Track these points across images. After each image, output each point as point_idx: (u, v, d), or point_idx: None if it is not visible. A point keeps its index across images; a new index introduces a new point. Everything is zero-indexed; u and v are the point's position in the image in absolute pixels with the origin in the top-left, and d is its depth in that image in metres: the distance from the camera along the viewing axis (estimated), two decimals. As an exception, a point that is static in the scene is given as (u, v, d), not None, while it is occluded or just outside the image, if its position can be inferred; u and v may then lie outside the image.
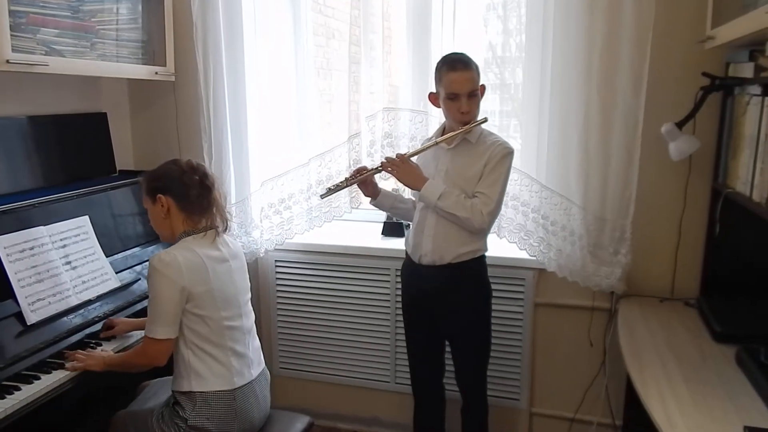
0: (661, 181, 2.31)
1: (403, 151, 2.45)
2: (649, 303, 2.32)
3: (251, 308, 1.99)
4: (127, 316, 2.17)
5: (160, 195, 1.84)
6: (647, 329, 2.07)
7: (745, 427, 1.41)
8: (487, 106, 2.50)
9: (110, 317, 2.11)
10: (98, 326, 2.07)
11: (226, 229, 1.92)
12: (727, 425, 1.44)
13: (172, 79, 2.74)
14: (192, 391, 1.78)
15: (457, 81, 2.02)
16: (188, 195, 1.84)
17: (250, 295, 1.99)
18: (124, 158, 2.85)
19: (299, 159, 2.67)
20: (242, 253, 2.00)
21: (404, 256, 2.31)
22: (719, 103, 2.14)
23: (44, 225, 2.06)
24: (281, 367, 2.93)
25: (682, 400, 1.57)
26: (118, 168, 2.70)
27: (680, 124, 2.12)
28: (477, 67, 2.07)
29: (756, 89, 1.75)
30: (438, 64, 2.10)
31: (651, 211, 2.32)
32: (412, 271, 2.25)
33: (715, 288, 2.25)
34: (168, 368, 1.86)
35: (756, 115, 1.70)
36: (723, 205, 2.00)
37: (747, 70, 1.82)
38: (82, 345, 1.98)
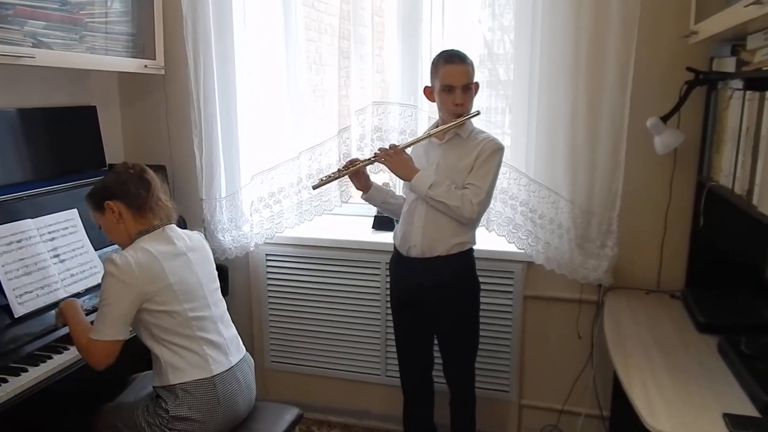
0: (647, 175, 2.34)
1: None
2: (636, 295, 2.34)
3: (221, 297, 1.99)
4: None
5: (107, 201, 1.84)
6: (633, 321, 2.10)
7: (725, 414, 1.43)
8: (481, 102, 2.53)
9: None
10: (88, 318, 2.04)
11: (168, 220, 1.92)
12: (707, 413, 1.46)
13: (162, 72, 2.74)
14: (172, 384, 1.79)
15: (453, 73, 2.06)
16: (130, 192, 1.85)
17: (217, 284, 2.00)
18: (114, 152, 2.85)
19: (289, 153, 2.67)
20: (204, 245, 2.00)
21: (393, 250, 2.33)
22: (703, 98, 2.17)
23: (32, 218, 2.07)
24: (273, 361, 2.94)
25: (664, 388, 1.60)
26: (107, 161, 2.70)
27: (665, 118, 2.14)
28: (472, 63, 2.12)
29: (738, 83, 1.77)
30: (435, 58, 2.15)
31: (637, 204, 2.35)
32: (400, 264, 2.26)
33: (700, 280, 2.28)
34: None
35: (738, 109, 1.71)
36: (707, 198, 2.03)
37: (729, 65, 1.84)
38: (70, 338, 1.94)
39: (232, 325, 2.01)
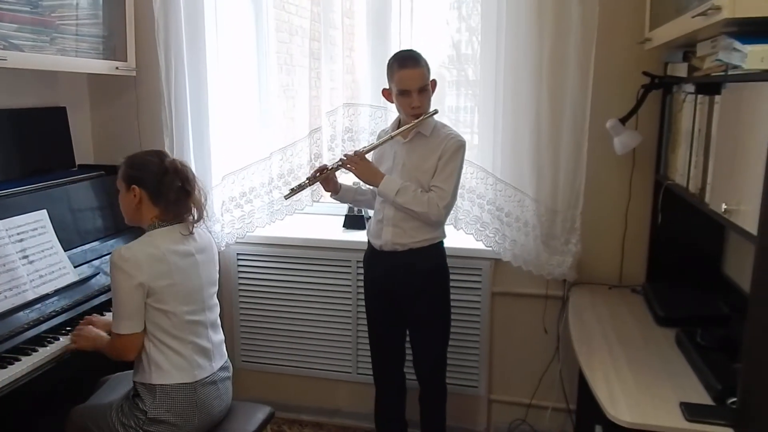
0: (608, 174, 2.42)
1: (363, 145, 2.51)
2: (599, 290, 2.42)
3: (216, 301, 2.00)
4: (85, 311, 2.15)
5: (134, 186, 1.85)
6: (595, 315, 2.17)
7: (681, 403, 1.51)
8: (450, 102, 2.59)
9: (88, 316, 2.10)
10: (56, 320, 2.05)
11: (199, 219, 1.93)
12: (666, 402, 1.53)
13: (133, 74, 2.74)
14: (152, 383, 1.79)
15: (408, 78, 2.09)
16: (165, 196, 1.85)
17: (216, 288, 2.00)
18: (83, 152, 2.83)
19: (261, 153, 2.69)
20: (212, 245, 2.01)
21: (364, 247, 2.38)
22: (659, 100, 2.25)
23: (1, 219, 2.05)
24: (243, 360, 2.95)
25: (625, 381, 1.67)
26: (77, 162, 2.69)
27: (624, 120, 2.22)
28: (426, 63, 2.14)
29: (690, 87, 1.86)
30: (389, 61, 2.17)
31: (599, 202, 2.43)
32: (373, 258, 2.32)
33: (660, 274, 2.37)
34: (127, 363, 1.88)
35: (690, 112, 1.79)
36: (664, 196, 2.11)
37: (682, 70, 1.91)
38: (38, 340, 1.96)
39: (221, 329, 2.02)
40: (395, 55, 2.18)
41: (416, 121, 2.14)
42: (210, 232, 2.70)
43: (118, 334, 1.78)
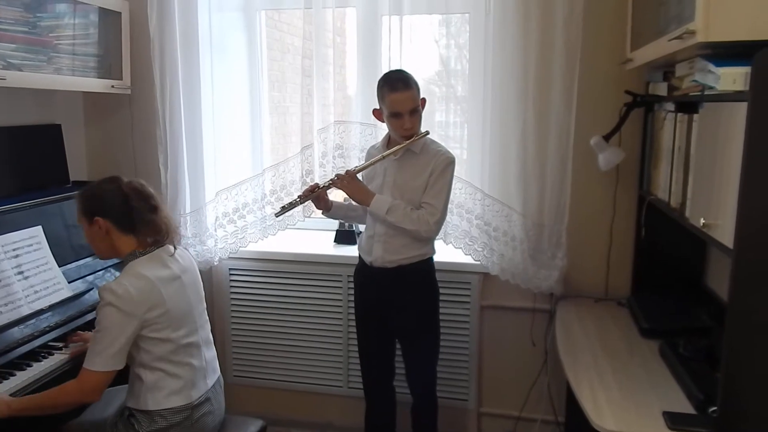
0: (593, 190, 2.48)
1: (353, 162, 2.56)
2: (585, 303, 2.47)
3: (206, 317, 1.99)
4: (78, 326, 2.17)
5: (97, 218, 1.78)
6: (582, 328, 2.21)
7: (664, 413, 1.54)
8: (439, 117, 2.64)
9: (79, 332, 2.11)
10: (50, 336, 2.06)
11: (178, 240, 1.88)
12: (650, 412, 1.57)
13: (128, 92, 2.77)
14: (149, 410, 1.77)
15: (399, 101, 2.12)
16: (136, 221, 1.79)
17: (204, 304, 1.98)
18: (78, 169, 2.86)
19: (254, 170, 2.73)
20: (194, 264, 1.97)
21: (355, 262, 2.41)
22: (642, 118, 2.32)
23: (-3, 235, 2.07)
24: (235, 375, 2.96)
25: (610, 391, 1.71)
26: (71, 179, 2.71)
27: (607, 137, 2.28)
28: (416, 84, 2.17)
29: (670, 106, 1.92)
30: (379, 82, 2.20)
31: (584, 216, 2.48)
32: (364, 273, 2.35)
33: (644, 287, 2.42)
34: (119, 378, 1.82)
35: (671, 130, 1.85)
36: (648, 211, 2.15)
37: (662, 89, 1.98)
38: (33, 354, 1.97)
39: (213, 346, 2.01)
40: (385, 77, 2.21)
41: (407, 142, 2.18)
42: (204, 247, 2.75)
43: (93, 371, 1.68)
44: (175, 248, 1.87)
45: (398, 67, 2.35)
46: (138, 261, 1.79)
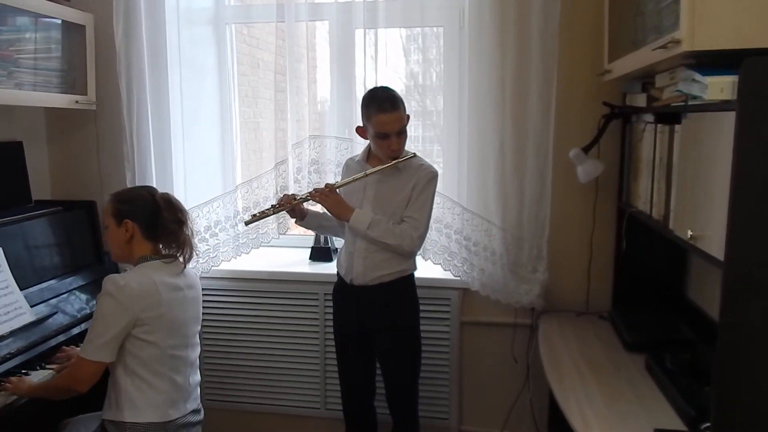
0: (572, 202, 2.47)
1: (329, 177, 2.51)
2: (567, 317, 2.44)
3: (198, 341, 1.98)
4: (42, 352, 2.08)
5: (127, 220, 1.84)
6: (565, 343, 2.18)
7: (655, 430, 1.51)
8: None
9: (66, 347, 2.11)
10: (11, 363, 1.96)
11: (189, 258, 1.92)
12: (640, 428, 1.54)
13: (93, 107, 2.69)
14: (124, 421, 1.76)
15: (387, 122, 2.08)
16: (160, 230, 1.87)
17: (199, 326, 1.99)
18: (40, 188, 2.75)
19: (225, 186, 2.67)
20: (198, 285, 2.00)
21: (332, 280, 2.35)
22: (620, 130, 2.32)
23: (-47, 258, 1.96)
24: (208, 399, 2.86)
25: (598, 407, 1.67)
26: (33, 198, 2.60)
27: (586, 149, 2.28)
28: (403, 103, 2.13)
29: (649, 117, 1.92)
30: (365, 100, 2.14)
31: (564, 230, 2.47)
32: (343, 291, 2.29)
33: (626, 300, 2.40)
34: (91, 406, 1.83)
35: (651, 141, 1.85)
36: (628, 223, 2.15)
37: (641, 100, 1.98)
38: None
39: (199, 373, 2.00)
40: (372, 95, 2.14)
41: (393, 162, 2.14)
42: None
43: (85, 360, 1.73)
44: (185, 266, 1.92)
45: (378, 83, 2.32)
46: (149, 263, 1.85)
